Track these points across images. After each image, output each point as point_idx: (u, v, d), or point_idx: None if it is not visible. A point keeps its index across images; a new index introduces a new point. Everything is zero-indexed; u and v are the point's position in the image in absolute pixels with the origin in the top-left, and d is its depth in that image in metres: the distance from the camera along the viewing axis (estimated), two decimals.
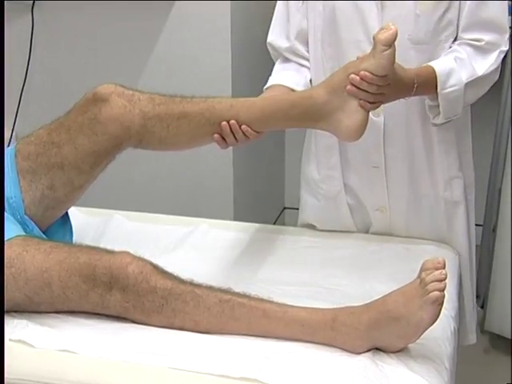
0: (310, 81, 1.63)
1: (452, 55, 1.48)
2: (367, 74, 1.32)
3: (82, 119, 1.41)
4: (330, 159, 1.65)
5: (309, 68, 1.63)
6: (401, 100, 1.50)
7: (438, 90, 1.45)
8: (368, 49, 1.49)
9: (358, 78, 1.32)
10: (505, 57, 1.54)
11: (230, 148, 2.42)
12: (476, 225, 1.77)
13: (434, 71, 1.45)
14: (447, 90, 1.46)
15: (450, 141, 1.60)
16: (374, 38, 1.32)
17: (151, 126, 1.41)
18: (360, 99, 1.34)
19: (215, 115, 1.41)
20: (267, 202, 3.04)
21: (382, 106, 1.52)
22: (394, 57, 1.32)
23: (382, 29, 1.32)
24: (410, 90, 1.42)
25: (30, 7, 2.42)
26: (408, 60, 1.49)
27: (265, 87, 1.62)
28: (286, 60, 1.65)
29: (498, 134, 2.25)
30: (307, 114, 1.39)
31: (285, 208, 3.22)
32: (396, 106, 1.53)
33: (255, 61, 2.60)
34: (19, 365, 1.20)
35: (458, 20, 1.50)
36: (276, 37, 1.65)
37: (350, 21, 1.52)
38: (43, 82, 2.55)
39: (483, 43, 1.49)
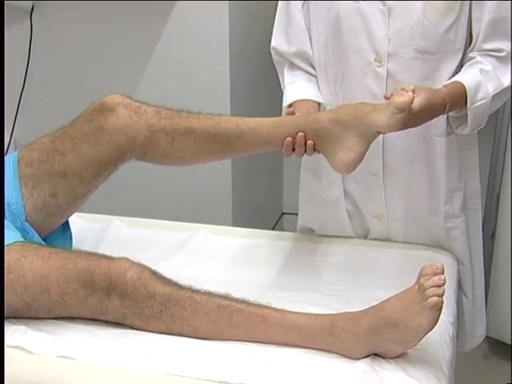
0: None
1: (477, 67, 1.47)
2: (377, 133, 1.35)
3: (88, 128, 1.41)
4: (329, 166, 1.65)
5: (315, 76, 1.62)
6: None
7: (468, 105, 1.45)
8: (372, 57, 1.50)
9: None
10: None
11: None
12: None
13: (463, 86, 1.44)
14: (476, 104, 1.46)
15: (453, 152, 1.59)
16: (388, 97, 1.32)
17: (156, 138, 1.41)
18: None
19: (220, 133, 1.42)
20: (265, 207, 3.04)
21: None
22: (405, 120, 1.32)
23: (401, 88, 1.32)
24: (443, 110, 1.43)
25: (29, 12, 2.42)
26: (414, 70, 1.49)
27: (287, 102, 1.59)
28: (293, 67, 1.64)
29: (496, 140, 2.26)
30: (310, 138, 1.40)
31: (283, 213, 3.22)
32: None
33: (254, 65, 2.61)
34: (17, 371, 1.19)
35: (471, 31, 1.48)
36: (281, 41, 1.63)
37: (355, 28, 1.51)
38: (42, 87, 2.55)
39: (504, 53, 1.48)
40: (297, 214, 1.83)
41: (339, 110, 1.40)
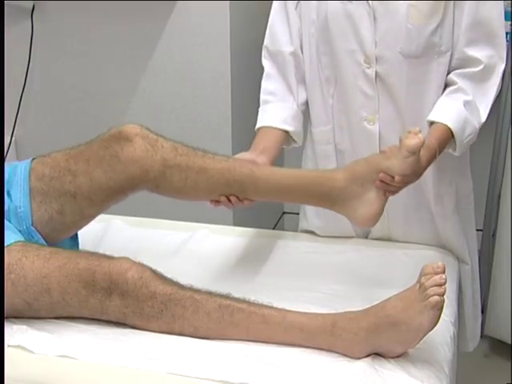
0: (307, 103, 1.63)
1: (460, 100, 1.47)
2: (398, 177, 1.33)
3: (104, 154, 1.41)
4: (327, 166, 1.66)
5: (294, 91, 1.62)
6: (395, 109, 1.52)
7: (457, 144, 1.48)
8: (361, 59, 1.50)
9: (388, 178, 1.33)
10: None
11: (230, 153, 2.46)
12: (476, 230, 1.77)
13: (449, 130, 1.45)
14: (465, 141, 1.48)
15: (444, 156, 1.58)
16: (400, 140, 1.32)
17: (170, 174, 1.41)
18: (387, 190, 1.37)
19: (234, 178, 1.42)
20: (266, 207, 3.04)
21: (376, 114, 1.53)
22: (418, 162, 1.33)
23: (409, 132, 1.32)
24: (434, 158, 1.43)
25: (30, 11, 2.42)
26: (401, 73, 1.49)
27: (257, 125, 1.62)
28: (271, 80, 1.63)
29: (497, 139, 2.25)
30: (325, 195, 1.41)
31: (284, 213, 3.22)
32: (390, 115, 1.54)
33: (254, 64, 2.61)
34: (18, 370, 1.19)
35: (453, 35, 1.48)
36: (275, 40, 1.63)
37: (343, 30, 1.51)
38: (43, 86, 2.56)
39: (482, 66, 1.47)
40: (297, 214, 1.83)
41: (352, 167, 1.40)
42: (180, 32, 2.39)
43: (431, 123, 1.48)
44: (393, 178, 1.33)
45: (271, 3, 1.64)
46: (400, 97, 1.53)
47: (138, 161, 1.40)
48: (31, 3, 2.42)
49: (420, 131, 1.31)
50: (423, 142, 1.30)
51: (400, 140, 1.32)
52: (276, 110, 1.61)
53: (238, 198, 1.43)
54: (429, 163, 1.41)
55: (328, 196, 1.40)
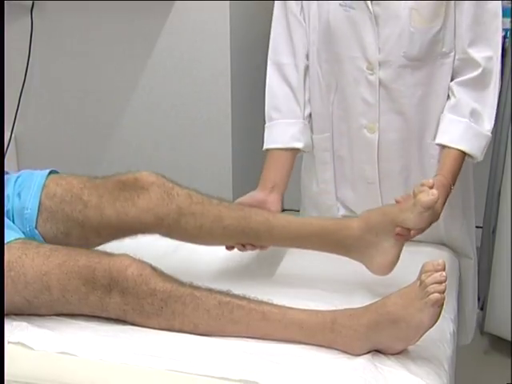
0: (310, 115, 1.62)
1: (466, 114, 1.48)
2: (414, 232, 1.35)
3: (118, 195, 1.41)
4: (325, 173, 1.66)
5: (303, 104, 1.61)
6: (396, 116, 1.53)
7: (478, 159, 1.51)
8: (364, 66, 1.49)
9: (405, 231, 1.35)
10: (504, 55, 1.54)
11: (229, 150, 2.46)
12: (476, 226, 1.77)
13: (463, 153, 1.48)
14: (483, 153, 1.51)
15: None
16: (414, 194, 1.33)
17: (184, 222, 1.42)
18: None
19: (250, 226, 1.43)
20: None
21: (376, 123, 1.53)
22: (433, 217, 1.34)
23: (422, 185, 1.32)
24: (449, 193, 1.45)
25: (29, 9, 2.42)
26: (405, 77, 1.49)
27: (265, 147, 1.61)
28: (280, 91, 1.60)
29: (497, 136, 2.25)
30: (340, 243, 1.42)
31: (284, 210, 3.22)
32: (391, 123, 1.54)
33: (254, 61, 2.61)
34: (18, 367, 1.19)
35: (455, 35, 1.48)
36: (279, 52, 1.60)
37: (346, 37, 1.50)
38: (43, 83, 2.55)
39: (480, 71, 1.47)
40: (298, 211, 1.84)
41: (368, 217, 1.41)
42: (179, 29, 2.38)
43: (441, 145, 1.50)
44: (409, 230, 1.35)
45: (272, 2, 1.63)
46: (403, 103, 1.52)
47: (153, 209, 1.40)
48: (30, 1, 2.42)
49: (434, 184, 1.31)
50: (438, 198, 1.31)
51: (414, 194, 1.33)
52: (283, 128, 1.60)
53: (252, 245, 1.46)
54: (445, 200, 1.42)
55: (343, 244, 1.42)
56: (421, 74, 1.49)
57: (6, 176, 1.49)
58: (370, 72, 1.50)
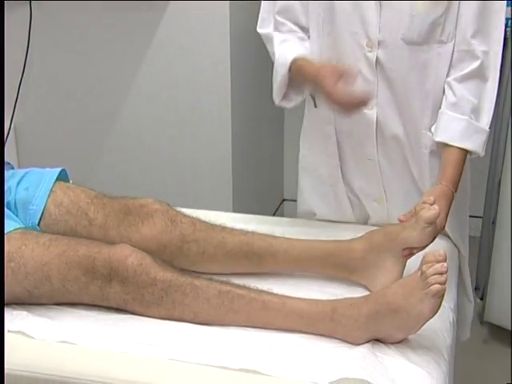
0: None
1: (467, 112, 1.48)
2: (418, 250, 1.36)
3: (123, 218, 1.42)
4: (328, 147, 1.66)
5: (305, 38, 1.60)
6: (392, 96, 1.52)
7: (479, 154, 1.50)
8: (364, 42, 1.50)
9: (410, 251, 1.36)
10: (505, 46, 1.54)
11: (229, 139, 2.46)
12: (476, 217, 1.77)
13: (465, 150, 1.48)
14: (483, 147, 1.51)
15: (438, 148, 1.57)
16: (416, 211, 1.33)
17: (187, 249, 1.42)
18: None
19: (253, 251, 1.43)
20: (266, 193, 3.04)
21: (374, 99, 1.53)
22: (436, 232, 1.34)
23: (423, 202, 1.33)
24: (452, 201, 1.45)
25: None
26: (401, 58, 1.50)
27: (290, 59, 1.54)
28: (282, 27, 1.59)
29: (497, 126, 2.25)
30: (343, 265, 1.42)
31: (284, 200, 3.22)
32: (388, 101, 1.54)
33: (254, 50, 2.60)
34: (19, 356, 1.20)
35: (457, 26, 1.48)
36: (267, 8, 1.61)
37: (349, 12, 1.51)
38: (42, 72, 2.54)
39: (478, 63, 1.47)
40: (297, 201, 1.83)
41: (370, 237, 1.41)
42: (179, 18, 2.37)
43: (442, 144, 1.50)
44: (413, 248, 1.36)
45: None
46: (398, 83, 1.53)
47: (157, 236, 1.41)
48: None
49: (435, 201, 1.32)
50: (439, 213, 1.32)
51: (416, 211, 1.34)
52: (300, 45, 1.58)
53: None
54: (448, 210, 1.43)
55: (346, 266, 1.42)
56: (416, 59, 1.50)
57: (10, 171, 1.49)
58: (369, 49, 1.51)
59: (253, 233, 1.46)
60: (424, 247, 1.36)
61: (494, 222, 2.31)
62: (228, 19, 2.33)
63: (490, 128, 1.52)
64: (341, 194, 1.69)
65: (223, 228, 1.46)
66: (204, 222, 1.46)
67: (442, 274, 1.16)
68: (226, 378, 1.14)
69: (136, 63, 2.47)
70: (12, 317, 1.27)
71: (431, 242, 1.36)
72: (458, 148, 1.48)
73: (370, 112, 1.56)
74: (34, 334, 1.23)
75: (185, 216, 1.45)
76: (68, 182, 1.54)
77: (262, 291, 1.29)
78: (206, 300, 1.27)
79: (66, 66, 2.53)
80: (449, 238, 1.67)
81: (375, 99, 1.54)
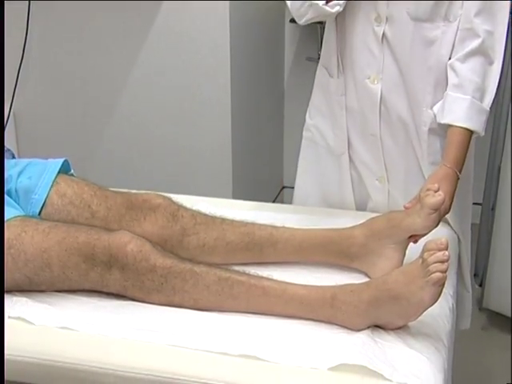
0: None
1: (469, 91, 1.48)
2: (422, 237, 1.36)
3: (125, 213, 1.43)
4: (338, 119, 1.66)
5: None
6: (398, 68, 1.53)
7: (479, 134, 1.50)
8: (373, 17, 1.52)
9: (416, 238, 1.37)
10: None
11: (229, 126, 2.45)
12: (475, 203, 1.77)
13: (469, 130, 1.48)
14: (484, 127, 1.50)
15: (437, 127, 1.57)
16: (420, 198, 1.33)
17: (187, 242, 1.42)
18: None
19: (254, 242, 1.43)
20: (266, 181, 3.04)
21: (380, 74, 1.54)
22: (440, 218, 1.34)
23: (428, 189, 1.33)
24: (457, 183, 1.45)
25: None
26: (406, 34, 1.51)
27: None
28: None
29: (497, 112, 2.24)
30: (344, 252, 1.42)
31: (284, 187, 3.22)
32: (393, 74, 1.55)
33: (254, 37, 2.59)
34: (19, 342, 1.20)
35: (462, 5, 1.47)
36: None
37: None
38: (41, 59, 2.54)
39: (480, 41, 1.47)
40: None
41: (371, 223, 1.41)
42: (179, 5, 2.36)
43: (446, 126, 1.50)
44: (417, 235, 1.37)
45: None
46: (403, 59, 1.54)
47: (158, 231, 1.41)
48: None
49: (439, 188, 1.32)
50: (444, 199, 1.31)
51: (420, 198, 1.33)
52: None
53: None
54: (453, 193, 1.43)
55: (347, 254, 1.42)
56: (421, 35, 1.50)
57: (12, 160, 1.49)
58: (377, 24, 1.53)
59: (253, 223, 1.46)
60: (427, 233, 1.36)
61: (493, 209, 2.31)
62: (228, 4, 2.32)
63: (490, 112, 1.52)
64: (344, 168, 1.69)
65: (223, 220, 1.46)
66: (204, 215, 1.46)
67: (443, 262, 1.16)
68: (225, 364, 1.15)
69: (136, 50, 2.46)
70: (12, 303, 1.28)
71: (435, 228, 1.35)
72: (461, 128, 1.48)
73: (375, 87, 1.56)
74: (34, 320, 1.24)
75: (186, 210, 1.45)
76: (70, 171, 1.54)
77: (261, 277, 1.29)
78: (206, 286, 1.27)
79: (65, 53, 2.52)
80: (449, 225, 1.67)
81: (380, 74, 1.55)
